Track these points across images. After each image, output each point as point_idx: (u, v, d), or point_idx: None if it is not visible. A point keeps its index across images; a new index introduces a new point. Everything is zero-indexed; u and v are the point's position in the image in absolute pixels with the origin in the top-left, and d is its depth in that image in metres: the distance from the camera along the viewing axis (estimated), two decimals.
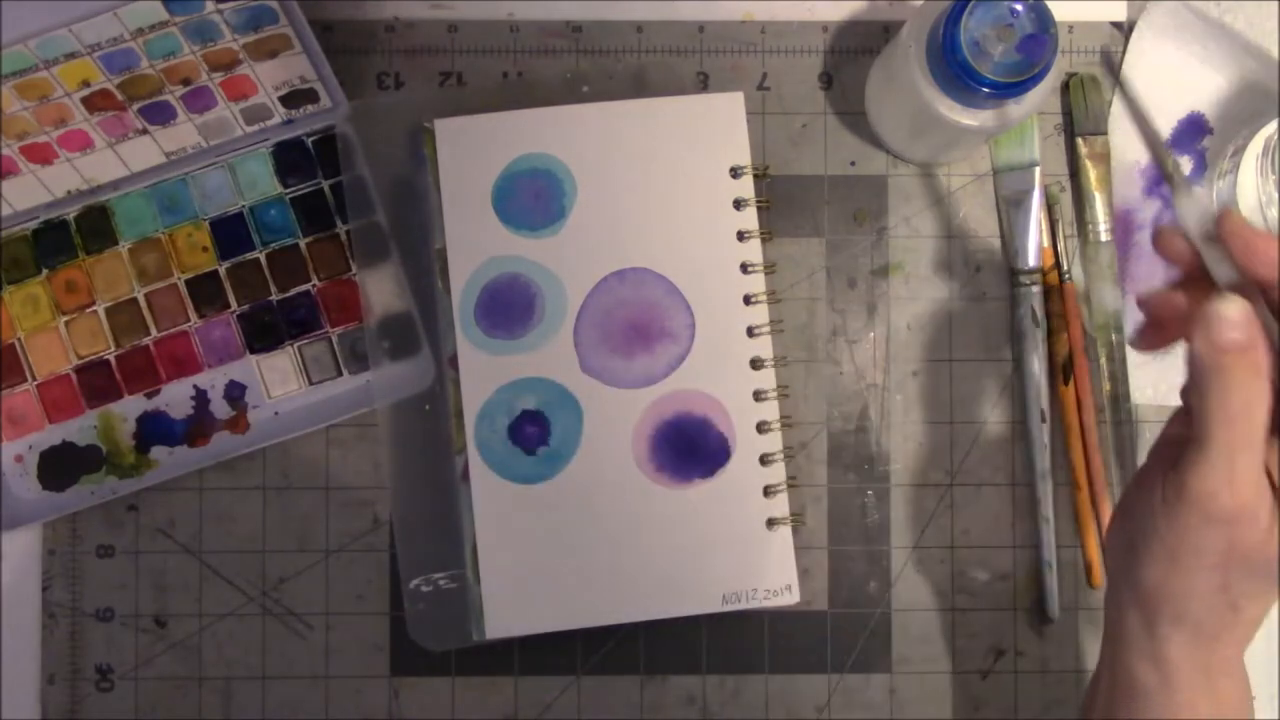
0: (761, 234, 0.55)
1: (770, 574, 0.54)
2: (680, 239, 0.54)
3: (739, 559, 0.53)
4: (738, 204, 0.55)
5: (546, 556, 0.53)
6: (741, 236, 0.54)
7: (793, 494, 0.55)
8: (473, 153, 0.54)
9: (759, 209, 0.55)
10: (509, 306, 0.54)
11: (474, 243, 0.54)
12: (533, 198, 0.54)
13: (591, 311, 0.54)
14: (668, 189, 0.54)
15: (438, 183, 0.54)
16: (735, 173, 0.55)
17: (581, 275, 0.54)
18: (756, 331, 0.54)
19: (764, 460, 0.54)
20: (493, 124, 0.54)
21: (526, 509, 0.53)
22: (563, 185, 0.54)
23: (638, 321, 0.54)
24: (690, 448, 0.54)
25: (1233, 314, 0.36)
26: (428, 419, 0.55)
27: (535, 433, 0.54)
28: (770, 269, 0.55)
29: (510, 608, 0.53)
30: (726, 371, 0.54)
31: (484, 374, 0.54)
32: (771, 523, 0.54)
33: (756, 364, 0.54)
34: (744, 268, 0.54)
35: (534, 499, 0.53)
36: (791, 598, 0.53)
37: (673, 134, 0.55)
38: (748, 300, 0.54)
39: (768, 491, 0.54)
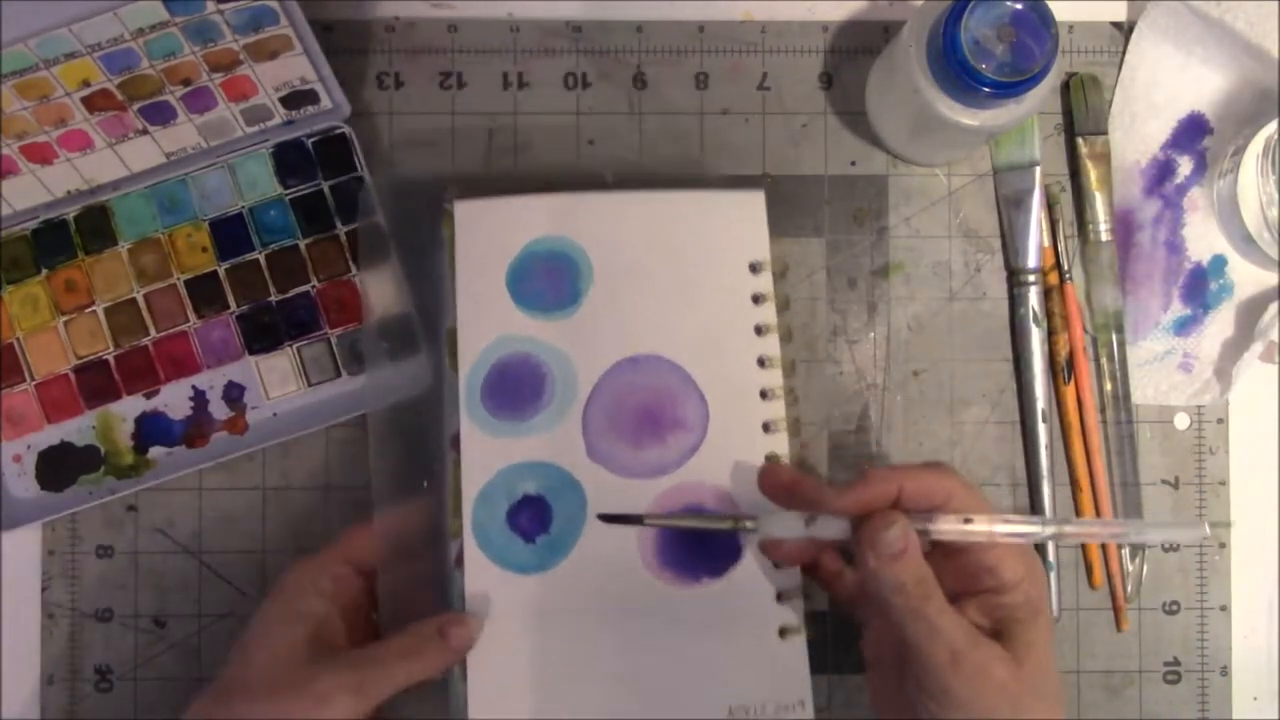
0: (780, 332, 0.53)
1: (781, 687, 0.50)
2: (696, 330, 0.52)
3: (748, 668, 0.50)
4: (756, 299, 0.53)
5: (538, 651, 0.50)
6: (759, 331, 0.53)
7: None
8: (490, 234, 0.53)
9: (778, 309, 0.53)
10: (518, 386, 0.52)
11: (485, 321, 0.52)
12: (547, 280, 0.53)
13: (602, 396, 0.52)
14: (685, 280, 0.53)
15: (453, 263, 0.53)
16: (754, 268, 0.53)
17: (594, 359, 0.52)
18: (772, 428, 0.52)
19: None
20: (512, 206, 0.53)
21: (520, 600, 0.50)
22: (579, 268, 0.53)
23: (650, 409, 0.52)
24: (699, 543, 0.50)
25: (896, 535, 0.43)
26: (424, 495, 0.52)
27: (535, 519, 0.51)
28: (787, 373, 0.53)
29: (497, 700, 0.50)
30: (740, 465, 0.52)
31: (486, 455, 0.51)
32: (784, 631, 0.50)
33: (772, 461, 0.52)
34: (761, 362, 0.53)
35: (529, 590, 0.50)
36: (805, 713, 0.49)
37: (693, 227, 0.53)
38: (764, 395, 0.52)
39: (780, 596, 0.50)
